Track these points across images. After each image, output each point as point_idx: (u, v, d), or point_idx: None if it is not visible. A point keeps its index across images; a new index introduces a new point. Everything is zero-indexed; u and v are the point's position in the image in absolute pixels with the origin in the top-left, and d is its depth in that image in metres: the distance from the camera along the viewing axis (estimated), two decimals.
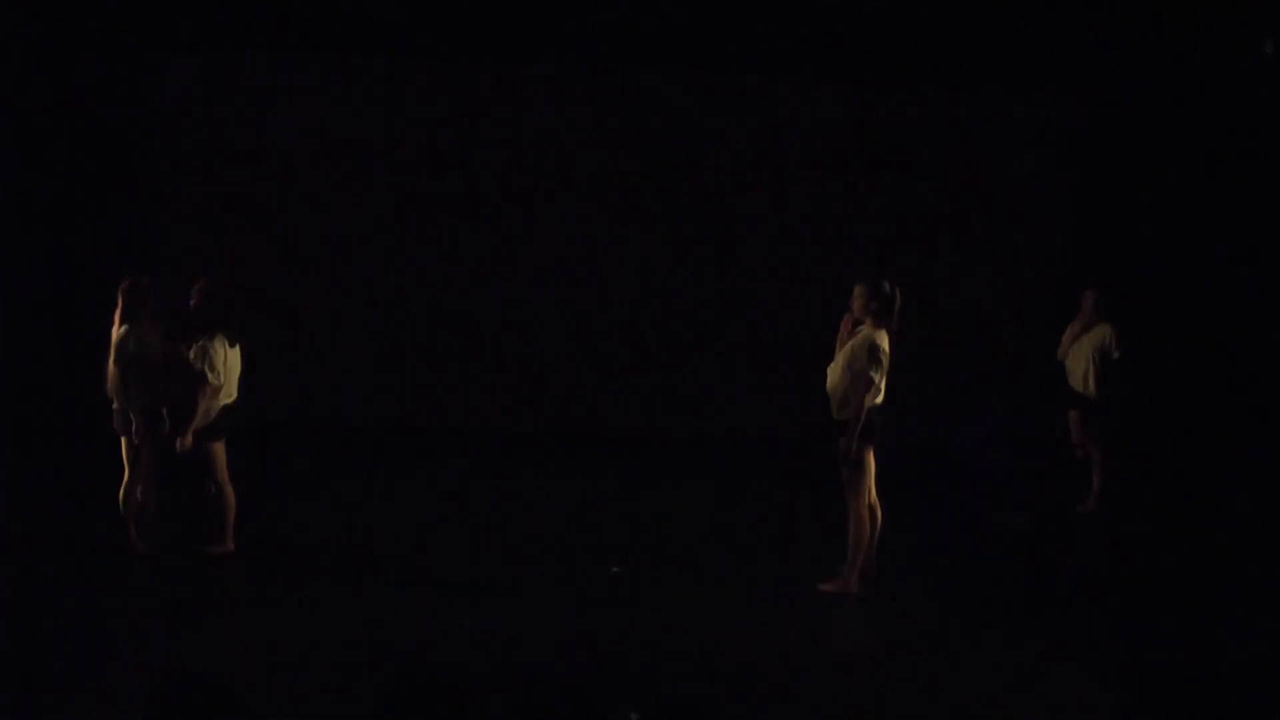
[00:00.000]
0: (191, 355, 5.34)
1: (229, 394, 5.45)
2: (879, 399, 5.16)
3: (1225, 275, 7.25)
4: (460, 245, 7.86)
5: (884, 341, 5.15)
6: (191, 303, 5.38)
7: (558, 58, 7.62)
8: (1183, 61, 7.10)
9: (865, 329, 5.19)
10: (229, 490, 5.48)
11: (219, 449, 5.45)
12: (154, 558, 5.36)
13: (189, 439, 5.31)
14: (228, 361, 5.42)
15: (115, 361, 5.33)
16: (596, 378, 7.89)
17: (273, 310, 7.33)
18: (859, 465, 5.18)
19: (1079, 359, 6.53)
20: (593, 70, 7.75)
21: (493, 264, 7.87)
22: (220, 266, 6.25)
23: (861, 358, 5.14)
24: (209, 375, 5.33)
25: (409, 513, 6.20)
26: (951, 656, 4.77)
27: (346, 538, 5.73)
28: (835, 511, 5.31)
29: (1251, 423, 7.05)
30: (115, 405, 5.37)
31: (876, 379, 5.12)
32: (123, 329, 5.34)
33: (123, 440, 5.38)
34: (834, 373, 5.23)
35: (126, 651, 4.58)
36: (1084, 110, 7.83)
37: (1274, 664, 4.81)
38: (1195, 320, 7.31)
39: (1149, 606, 5.37)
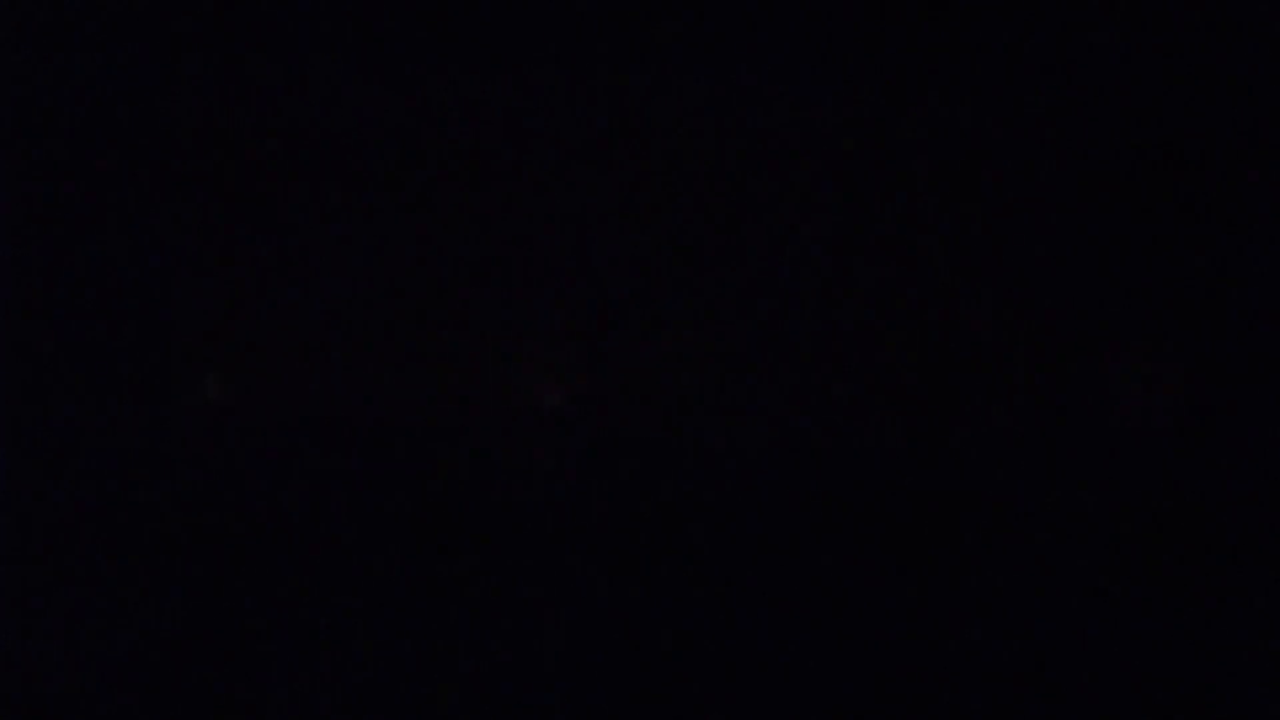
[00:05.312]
0: None
1: None
2: None
3: (1224, 274, 7.23)
4: (459, 244, 7.83)
5: None
6: None
7: (558, 57, 7.61)
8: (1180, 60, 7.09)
9: None
10: None
11: None
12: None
13: None
14: None
15: None
16: (598, 378, 7.86)
17: (274, 310, 7.31)
18: None
19: None
20: (592, 70, 7.74)
21: (492, 263, 7.84)
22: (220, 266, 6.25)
23: None
24: None
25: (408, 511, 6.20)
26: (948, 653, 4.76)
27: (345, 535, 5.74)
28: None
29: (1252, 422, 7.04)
30: None
31: None
32: None
33: None
34: None
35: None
36: (1081, 109, 7.82)
37: (1274, 664, 4.81)
38: (1195, 320, 7.29)
39: (1148, 606, 5.37)
